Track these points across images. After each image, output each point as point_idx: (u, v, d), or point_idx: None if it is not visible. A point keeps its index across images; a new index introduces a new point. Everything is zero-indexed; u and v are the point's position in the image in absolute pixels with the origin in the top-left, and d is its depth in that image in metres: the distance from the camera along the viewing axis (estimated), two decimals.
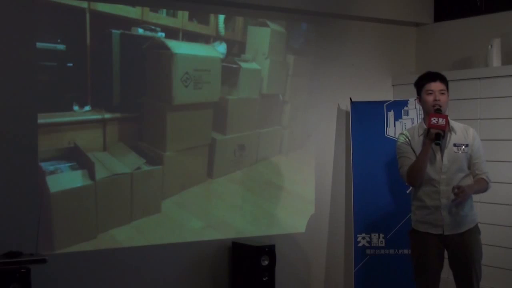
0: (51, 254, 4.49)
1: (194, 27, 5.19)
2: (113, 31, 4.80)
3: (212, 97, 5.23)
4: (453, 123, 3.99)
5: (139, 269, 4.93)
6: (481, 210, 4.98)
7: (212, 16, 5.23)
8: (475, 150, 3.97)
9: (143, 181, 4.93)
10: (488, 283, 4.91)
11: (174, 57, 5.01)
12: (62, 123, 4.65)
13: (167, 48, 5.00)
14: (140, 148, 4.94)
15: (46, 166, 4.57)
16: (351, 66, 5.92)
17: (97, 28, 4.74)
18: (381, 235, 5.50)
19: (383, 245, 5.49)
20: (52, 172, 4.59)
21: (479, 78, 5.35)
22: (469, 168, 3.98)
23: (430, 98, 3.95)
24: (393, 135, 5.47)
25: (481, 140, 4.07)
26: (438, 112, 3.89)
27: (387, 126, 5.55)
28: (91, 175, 4.72)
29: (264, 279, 5.04)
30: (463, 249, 3.93)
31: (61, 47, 4.64)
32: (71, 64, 4.69)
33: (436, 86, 3.96)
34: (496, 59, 5.32)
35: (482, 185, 3.97)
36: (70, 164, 4.66)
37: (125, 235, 4.87)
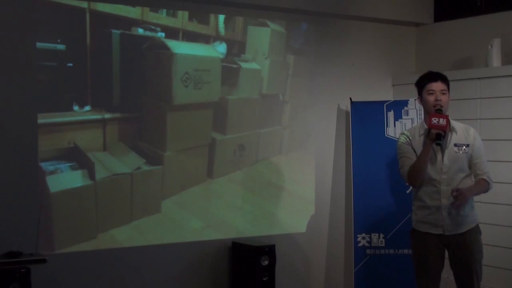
0: (51, 254, 4.49)
1: (194, 27, 5.19)
2: (113, 31, 4.80)
3: (212, 97, 5.23)
4: (454, 123, 3.99)
5: (139, 269, 4.93)
6: (481, 210, 4.96)
7: (212, 16, 5.23)
8: (476, 150, 3.96)
9: (143, 181, 4.93)
10: (488, 283, 4.91)
11: (174, 57, 5.01)
12: (62, 123, 4.65)
13: (167, 48, 5.00)
14: (140, 148, 4.93)
15: (46, 166, 4.57)
16: (351, 66, 5.92)
17: (97, 28, 4.74)
18: (381, 235, 5.50)
19: (383, 245, 5.49)
20: (52, 172, 4.59)
21: (479, 78, 5.35)
22: (470, 168, 3.98)
23: (431, 98, 3.95)
24: (393, 135, 5.47)
25: (481, 140, 4.07)
26: (439, 112, 3.89)
27: (387, 126, 5.55)
28: (91, 175, 4.72)
29: (264, 279, 5.04)
30: (463, 249, 3.93)
31: (61, 47, 4.64)
32: (71, 64, 4.69)
33: (437, 86, 3.96)
34: (496, 59, 5.32)
35: (483, 187, 3.96)
36: (70, 164, 4.66)
37: (125, 235, 4.87)
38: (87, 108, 4.72)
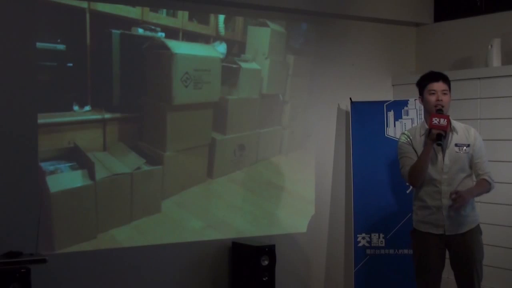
0: (51, 254, 4.48)
1: (194, 27, 5.19)
2: (113, 31, 4.80)
3: (212, 97, 5.23)
4: (454, 123, 3.99)
5: (139, 269, 4.93)
6: (482, 210, 4.95)
7: (212, 16, 5.23)
8: (477, 150, 3.97)
9: (143, 181, 4.93)
10: (489, 283, 4.91)
11: (174, 57, 5.01)
12: (62, 123, 4.64)
13: (167, 48, 5.00)
14: (140, 148, 4.93)
15: (46, 166, 4.56)
16: (351, 66, 5.92)
17: (97, 28, 4.74)
18: (381, 235, 5.50)
19: (383, 245, 5.49)
20: (52, 172, 4.59)
21: (479, 78, 5.35)
22: (471, 168, 3.98)
23: (432, 98, 3.95)
24: (393, 135, 5.48)
25: (482, 140, 4.07)
26: (440, 112, 3.89)
27: (387, 126, 5.55)
28: (91, 175, 4.72)
29: (264, 279, 5.04)
30: (464, 249, 3.93)
31: (61, 47, 4.64)
32: (71, 64, 4.69)
33: (438, 86, 3.96)
34: (496, 59, 5.32)
35: (484, 187, 3.96)
36: (70, 164, 4.66)
37: (125, 235, 4.87)
38: (87, 108, 4.72)
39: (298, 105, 5.68)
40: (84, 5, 4.69)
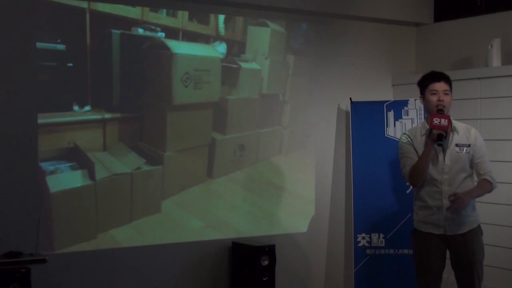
0: (51, 254, 4.48)
1: (194, 27, 5.19)
2: (113, 31, 4.80)
3: (212, 97, 5.23)
4: (455, 123, 3.99)
5: (139, 269, 4.93)
6: (482, 210, 4.94)
7: (212, 16, 5.23)
8: (477, 149, 3.96)
9: (143, 181, 4.93)
10: (489, 283, 4.91)
11: (174, 57, 5.01)
12: (62, 123, 4.64)
13: (167, 48, 5.00)
14: (140, 148, 4.93)
15: (46, 166, 4.56)
16: (351, 66, 5.92)
17: (97, 28, 4.74)
18: (381, 235, 5.50)
19: (383, 245, 5.49)
20: (52, 172, 4.59)
21: (479, 78, 5.35)
22: (471, 168, 3.98)
23: (434, 98, 3.94)
24: (393, 135, 5.48)
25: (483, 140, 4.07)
26: (441, 112, 3.89)
27: (387, 126, 5.55)
28: (91, 175, 4.72)
29: (264, 279, 5.04)
30: (465, 250, 3.93)
31: (61, 47, 4.64)
32: (71, 64, 4.69)
33: (440, 86, 3.96)
34: (496, 59, 5.32)
35: (485, 188, 3.96)
36: (70, 164, 4.66)
37: (125, 235, 4.87)
38: (87, 108, 4.72)
39: (298, 105, 5.68)
40: (84, 5, 4.69)
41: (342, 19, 5.84)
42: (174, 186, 5.07)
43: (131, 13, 4.89)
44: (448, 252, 4.03)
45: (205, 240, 5.21)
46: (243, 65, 5.36)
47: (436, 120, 3.81)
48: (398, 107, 5.55)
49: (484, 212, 4.92)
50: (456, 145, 3.93)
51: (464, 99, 5.37)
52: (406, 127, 5.37)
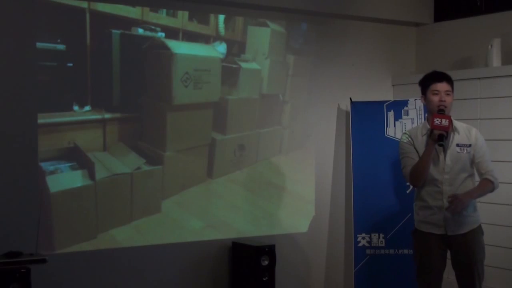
0: (51, 254, 4.48)
1: (194, 27, 5.19)
2: (113, 31, 4.80)
3: (212, 97, 5.23)
4: (456, 123, 3.99)
5: (139, 269, 4.93)
6: (482, 210, 4.94)
7: (212, 16, 5.23)
8: (478, 149, 3.97)
9: (143, 181, 4.93)
10: (489, 283, 4.91)
11: (174, 57, 5.01)
12: (62, 123, 4.64)
13: (167, 48, 5.00)
14: (140, 148, 4.93)
15: (46, 166, 4.56)
16: (351, 66, 5.92)
17: (97, 28, 4.74)
18: (381, 235, 5.50)
19: (383, 245, 5.49)
20: (52, 172, 4.59)
21: (479, 78, 5.35)
22: (472, 168, 3.98)
23: (435, 99, 3.94)
24: (393, 135, 5.48)
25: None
26: (441, 112, 3.88)
27: (387, 126, 5.55)
28: (91, 175, 4.72)
29: (264, 279, 5.04)
30: (465, 250, 3.94)
31: (61, 47, 4.63)
32: (71, 64, 4.69)
33: (442, 86, 3.95)
34: (496, 59, 5.32)
35: (486, 187, 3.96)
36: (70, 164, 4.66)
37: (125, 235, 4.87)
38: (87, 108, 4.72)
39: (298, 105, 5.68)
40: (84, 5, 4.69)
41: (342, 19, 5.84)
42: (174, 186, 5.07)
43: (131, 13, 4.88)
44: (448, 252, 4.03)
45: (205, 240, 5.21)
46: (243, 65, 5.36)
47: (437, 120, 3.81)
48: (398, 107, 5.55)
49: (484, 212, 4.92)
50: (457, 145, 3.93)
51: (464, 99, 5.36)
52: (406, 127, 5.37)
